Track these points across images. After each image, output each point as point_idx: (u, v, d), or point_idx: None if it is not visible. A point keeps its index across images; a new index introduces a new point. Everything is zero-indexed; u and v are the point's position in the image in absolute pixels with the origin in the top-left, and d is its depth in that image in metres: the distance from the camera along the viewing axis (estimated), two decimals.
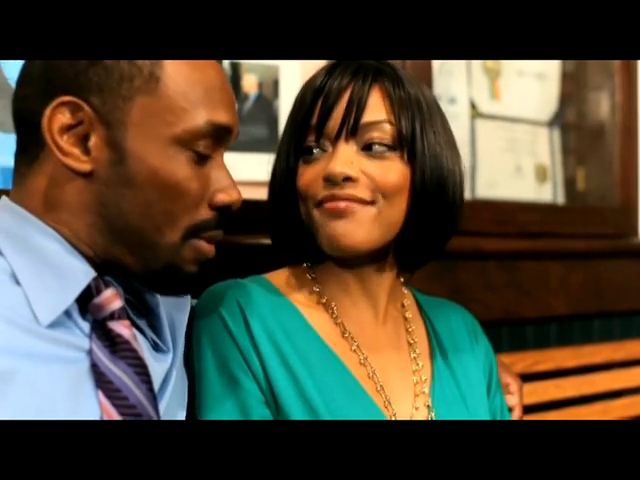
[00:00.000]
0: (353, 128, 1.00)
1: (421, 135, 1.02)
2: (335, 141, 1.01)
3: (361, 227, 1.00)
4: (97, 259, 0.88)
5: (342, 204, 0.99)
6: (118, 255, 0.88)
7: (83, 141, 0.85)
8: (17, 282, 0.82)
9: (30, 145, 0.87)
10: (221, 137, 0.90)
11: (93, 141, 0.85)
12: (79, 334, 0.85)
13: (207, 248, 0.91)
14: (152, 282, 0.92)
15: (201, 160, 0.88)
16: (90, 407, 0.82)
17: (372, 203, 1.00)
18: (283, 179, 1.06)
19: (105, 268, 0.89)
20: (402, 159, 1.01)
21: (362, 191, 1.00)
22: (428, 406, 1.06)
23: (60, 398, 0.80)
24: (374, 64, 1.04)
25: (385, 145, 1.01)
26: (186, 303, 1.02)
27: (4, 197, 0.89)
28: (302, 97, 1.06)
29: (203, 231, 0.89)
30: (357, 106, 1.00)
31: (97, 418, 0.81)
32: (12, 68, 1.16)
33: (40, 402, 0.78)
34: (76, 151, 0.84)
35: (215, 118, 0.88)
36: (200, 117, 0.87)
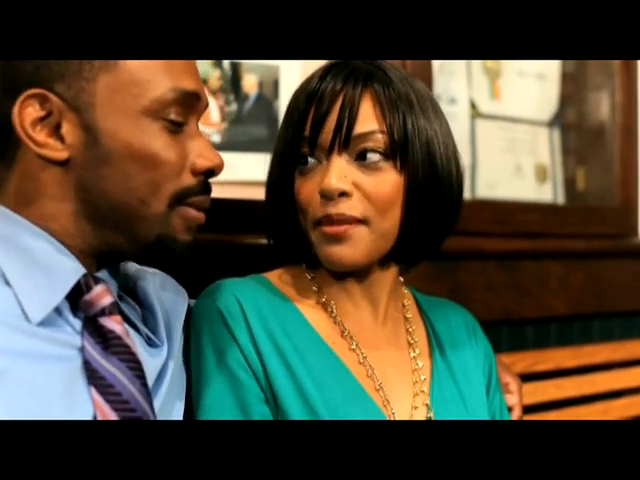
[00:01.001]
0: (345, 141, 1.00)
1: (413, 137, 1.01)
2: (329, 153, 1.01)
3: (358, 247, 1.00)
4: (90, 249, 0.88)
5: (340, 229, 0.99)
6: (109, 237, 0.88)
7: (56, 130, 0.85)
8: (7, 282, 0.82)
9: (6, 148, 0.87)
10: (190, 104, 0.90)
11: (65, 128, 0.85)
12: (71, 331, 0.85)
13: (196, 214, 0.91)
14: (149, 257, 0.92)
15: (175, 129, 0.89)
16: (83, 404, 0.82)
17: (365, 222, 1.00)
18: (279, 186, 1.06)
19: (101, 258, 0.90)
20: (395, 168, 1.01)
21: (354, 208, 0.99)
22: (427, 405, 1.06)
23: (53, 396, 0.80)
24: (365, 67, 1.03)
25: (379, 152, 1.00)
26: (183, 297, 1.03)
27: None
28: (295, 103, 1.05)
29: (188, 197, 0.90)
30: (348, 117, 0.99)
31: (90, 415, 0.81)
32: None
33: (33, 400, 0.78)
34: (50, 141, 0.85)
35: (180, 85, 0.89)
36: (164, 85, 0.87)
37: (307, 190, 1.02)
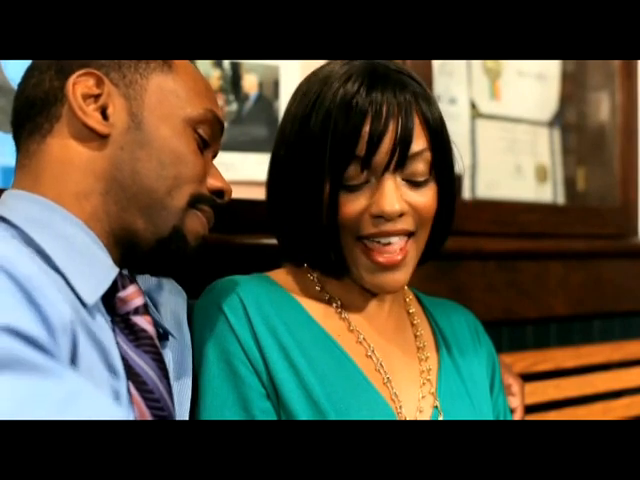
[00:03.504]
0: (402, 161, 0.98)
1: (449, 155, 1.04)
2: (381, 174, 0.99)
3: (408, 270, 1.03)
4: (112, 239, 0.90)
5: (397, 258, 1.00)
6: (130, 222, 0.90)
7: (102, 111, 0.89)
8: (55, 269, 0.83)
9: (42, 121, 0.89)
10: (215, 130, 0.97)
11: (111, 110, 0.89)
12: (107, 326, 0.86)
13: (204, 221, 0.96)
14: (158, 252, 0.92)
15: (201, 146, 0.95)
16: (125, 396, 0.84)
17: (412, 235, 1.02)
18: (308, 196, 1.01)
19: (119, 251, 0.91)
20: (435, 181, 1.03)
21: (409, 222, 1.01)
22: (433, 394, 1.06)
23: (105, 382, 0.82)
24: (409, 82, 1.01)
25: (425, 173, 1.01)
26: (182, 296, 1.04)
27: (16, 190, 0.89)
28: (343, 114, 0.97)
29: (202, 203, 0.95)
30: (405, 139, 0.98)
31: (130, 409, 0.84)
32: (12, 68, 1.17)
33: (95, 383, 0.80)
34: (96, 114, 0.89)
35: (214, 109, 0.96)
36: (203, 104, 0.94)
37: (354, 208, 0.99)
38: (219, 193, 0.97)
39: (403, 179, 1.00)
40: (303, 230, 1.03)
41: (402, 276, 1.02)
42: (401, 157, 0.98)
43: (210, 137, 0.96)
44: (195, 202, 0.93)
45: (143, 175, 0.89)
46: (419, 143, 1.00)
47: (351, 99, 0.98)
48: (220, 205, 0.98)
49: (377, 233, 1.00)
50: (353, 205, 1.00)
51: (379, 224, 0.99)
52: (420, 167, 1.00)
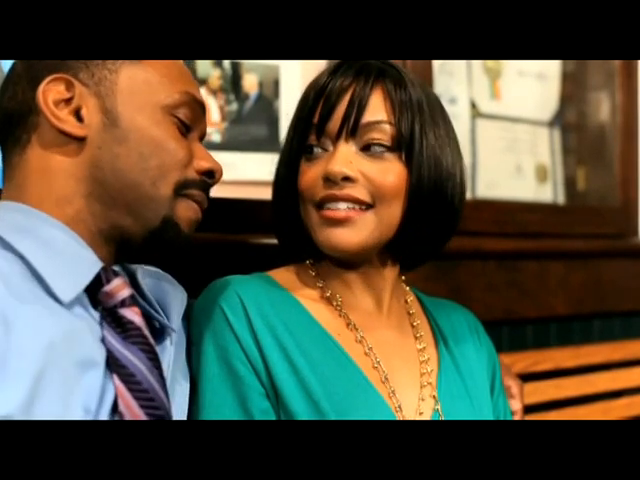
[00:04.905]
0: (353, 128, 1.01)
1: (420, 137, 1.02)
2: (336, 140, 1.02)
3: (359, 233, 1.02)
4: (100, 237, 0.90)
5: (342, 213, 1.01)
6: (119, 219, 0.90)
7: (75, 113, 0.89)
8: (32, 274, 0.84)
9: (21, 133, 0.90)
10: (196, 112, 0.96)
11: (84, 111, 0.89)
12: (93, 322, 0.87)
13: (195, 207, 0.95)
14: (152, 243, 0.93)
15: (183, 130, 0.94)
16: (108, 391, 0.83)
17: (370, 207, 1.01)
18: (285, 177, 1.08)
19: (109, 247, 0.91)
20: (400, 160, 1.02)
21: (360, 191, 1.01)
22: (434, 397, 1.06)
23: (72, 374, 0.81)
24: (378, 65, 1.04)
25: (384, 146, 1.01)
26: (180, 290, 1.04)
27: (2, 202, 0.90)
28: (305, 96, 1.07)
29: (191, 188, 0.94)
30: (358, 106, 1.01)
31: (111, 402, 0.83)
32: None
33: (76, 379, 0.81)
34: (71, 118, 0.89)
35: (190, 90, 0.95)
36: (177, 88, 0.93)
37: (310, 175, 1.03)
38: (209, 174, 0.97)
39: (360, 149, 1.02)
40: (280, 211, 1.09)
41: (352, 235, 1.01)
42: (354, 124, 1.01)
43: (191, 119, 0.95)
44: (182, 188, 0.93)
45: (125, 171, 0.89)
46: (376, 114, 1.02)
47: (317, 81, 1.06)
48: (211, 185, 0.98)
49: (325, 196, 1.01)
50: (310, 172, 1.03)
51: (328, 187, 1.01)
52: (376, 137, 1.01)
